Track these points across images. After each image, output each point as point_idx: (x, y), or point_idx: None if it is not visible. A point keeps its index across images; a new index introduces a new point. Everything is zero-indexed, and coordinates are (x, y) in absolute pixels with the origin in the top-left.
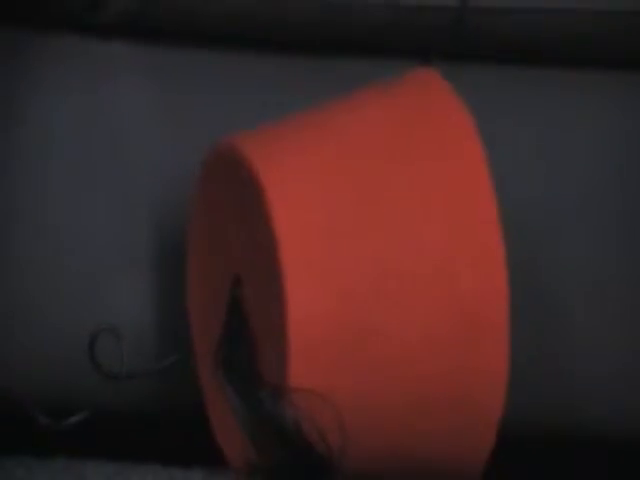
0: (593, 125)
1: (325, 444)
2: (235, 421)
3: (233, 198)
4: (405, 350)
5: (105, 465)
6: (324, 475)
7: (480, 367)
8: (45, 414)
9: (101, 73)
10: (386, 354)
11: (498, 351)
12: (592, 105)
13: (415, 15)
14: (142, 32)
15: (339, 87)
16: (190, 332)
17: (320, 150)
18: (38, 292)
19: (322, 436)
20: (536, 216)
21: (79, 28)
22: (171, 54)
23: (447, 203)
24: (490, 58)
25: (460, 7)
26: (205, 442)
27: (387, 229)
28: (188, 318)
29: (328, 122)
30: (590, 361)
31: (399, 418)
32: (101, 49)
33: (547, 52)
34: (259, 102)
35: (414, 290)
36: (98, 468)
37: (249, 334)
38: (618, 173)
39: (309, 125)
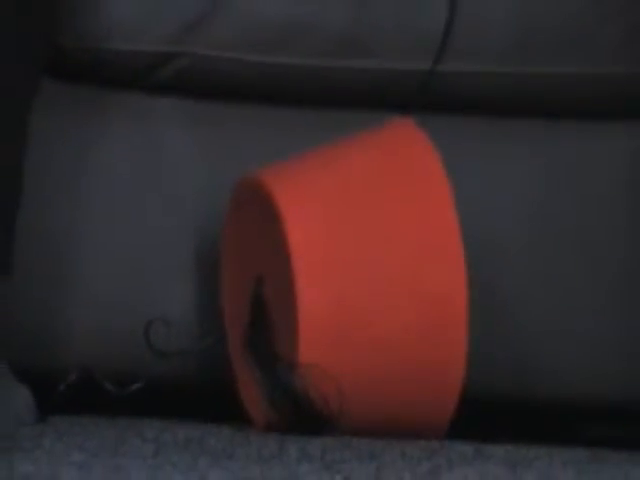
0: (539, 165)
1: (327, 406)
2: (258, 389)
3: (256, 216)
4: (388, 334)
5: (157, 422)
6: (326, 430)
7: (446, 347)
8: (111, 383)
9: (154, 122)
10: (375, 337)
11: (459, 334)
12: (539, 150)
13: (396, 76)
14: (187, 89)
15: (336, 133)
16: (223, 320)
17: (321, 181)
18: (111, 290)
19: (325, 400)
20: (493, 234)
21: (138, 86)
22: (209, 107)
23: (420, 223)
24: (455, 111)
25: (431, 70)
26: (234, 405)
27: (374, 242)
28: (222, 309)
29: (328, 161)
30: (538, 340)
31: (384, 386)
32: (154, 103)
33: (501, 107)
34: (275, 145)
35: (395, 289)
36: (152, 425)
37: (269, 321)
38: (552, 203)
39: (312, 161)
